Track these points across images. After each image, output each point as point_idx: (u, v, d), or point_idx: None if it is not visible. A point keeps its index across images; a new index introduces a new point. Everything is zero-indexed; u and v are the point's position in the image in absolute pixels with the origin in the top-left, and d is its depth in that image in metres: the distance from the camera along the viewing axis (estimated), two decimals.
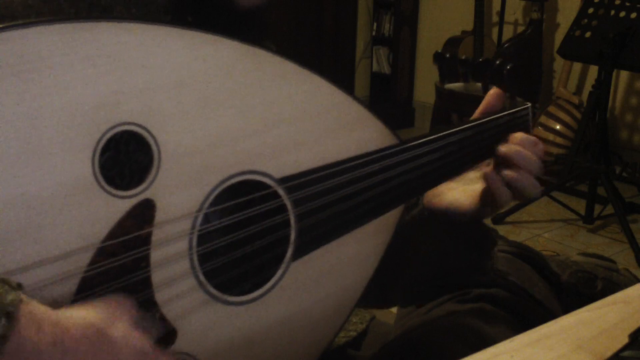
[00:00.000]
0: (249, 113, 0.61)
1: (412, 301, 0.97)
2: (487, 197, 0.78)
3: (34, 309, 0.46)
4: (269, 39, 0.81)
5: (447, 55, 0.85)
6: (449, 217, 0.81)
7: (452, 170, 0.78)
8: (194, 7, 0.72)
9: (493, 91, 0.81)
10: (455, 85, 0.93)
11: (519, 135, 0.79)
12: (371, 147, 0.71)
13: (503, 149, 0.77)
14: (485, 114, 0.81)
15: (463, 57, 0.85)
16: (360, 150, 0.70)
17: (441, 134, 0.76)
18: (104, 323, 0.50)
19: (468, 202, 0.79)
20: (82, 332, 0.49)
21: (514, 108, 0.83)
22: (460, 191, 0.80)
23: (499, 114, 0.81)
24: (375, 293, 0.80)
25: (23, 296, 0.46)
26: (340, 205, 0.68)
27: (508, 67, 0.81)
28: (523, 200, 0.78)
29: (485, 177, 0.77)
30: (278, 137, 0.63)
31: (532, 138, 0.79)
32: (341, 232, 0.69)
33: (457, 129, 0.77)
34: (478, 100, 0.81)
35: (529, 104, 0.85)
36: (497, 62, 0.81)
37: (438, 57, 0.87)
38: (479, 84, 0.87)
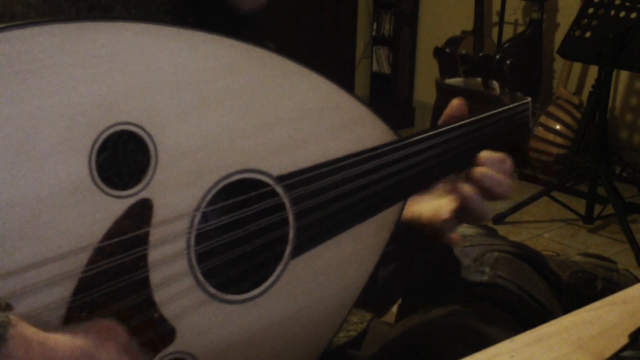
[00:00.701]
0: (247, 112, 0.61)
1: (411, 303, 0.96)
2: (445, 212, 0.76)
3: (23, 330, 0.46)
4: (269, 39, 0.81)
5: (447, 50, 0.86)
6: (411, 229, 0.79)
7: (451, 166, 0.78)
8: (193, 7, 0.72)
9: (455, 101, 0.79)
10: (455, 81, 0.93)
11: (485, 155, 0.76)
12: (370, 144, 0.71)
13: (471, 172, 0.75)
14: (445, 123, 0.79)
15: (463, 52, 0.86)
16: (359, 148, 0.70)
17: (440, 130, 0.76)
18: (92, 348, 0.50)
19: (430, 216, 0.77)
20: (70, 354, 0.49)
21: (514, 103, 0.82)
22: (426, 205, 0.78)
23: (499, 109, 0.80)
24: (373, 295, 0.80)
25: (12, 317, 0.46)
26: (339, 203, 0.68)
27: (508, 62, 0.81)
28: (474, 222, 0.77)
29: (457, 191, 0.75)
30: (277, 136, 0.63)
31: (498, 156, 0.76)
32: (340, 229, 0.69)
33: (456, 125, 0.77)
34: (478, 95, 0.81)
35: (529, 99, 0.85)
36: (497, 57, 0.81)
37: (438, 52, 0.87)
38: (479, 79, 0.87)
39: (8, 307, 0.46)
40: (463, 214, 0.76)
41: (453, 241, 0.76)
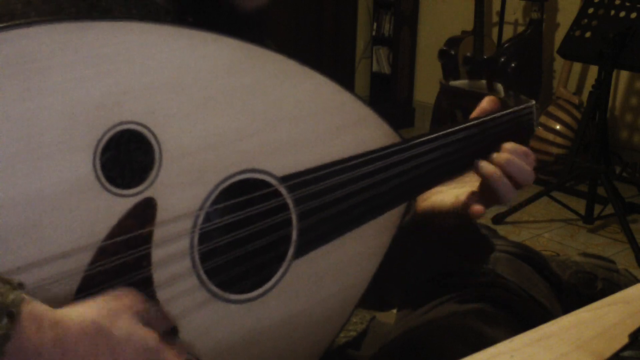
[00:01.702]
0: (250, 112, 0.61)
1: (410, 303, 0.97)
2: (472, 198, 0.77)
3: (35, 308, 0.47)
4: (269, 38, 0.81)
5: (452, 52, 0.85)
6: (435, 219, 0.80)
7: (455, 169, 0.78)
8: (194, 7, 0.72)
9: (488, 98, 0.80)
10: (460, 82, 0.93)
11: (509, 146, 0.77)
12: (373, 145, 0.71)
13: (494, 156, 0.76)
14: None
15: (468, 55, 0.85)
16: (362, 149, 0.70)
17: (444, 132, 0.75)
18: (105, 320, 0.51)
19: (451, 203, 0.78)
20: (82, 331, 0.49)
21: (518, 105, 0.82)
22: (448, 194, 0.80)
23: (503, 112, 0.80)
24: (373, 296, 0.80)
25: (24, 295, 0.46)
26: (342, 204, 0.68)
27: (512, 65, 0.81)
28: (497, 204, 0.78)
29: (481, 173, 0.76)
30: (280, 136, 0.63)
31: (523, 148, 0.77)
32: (343, 230, 0.69)
33: (461, 127, 0.76)
34: (482, 97, 0.81)
35: (533, 102, 0.84)
36: (502, 59, 0.81)
37: (443, 55, 0.86)
38: (484, 81, 0.87)
39: (20, 286, 0.47)
40: (486, 195, 0.76)
41: (476, 215, 0.75)
